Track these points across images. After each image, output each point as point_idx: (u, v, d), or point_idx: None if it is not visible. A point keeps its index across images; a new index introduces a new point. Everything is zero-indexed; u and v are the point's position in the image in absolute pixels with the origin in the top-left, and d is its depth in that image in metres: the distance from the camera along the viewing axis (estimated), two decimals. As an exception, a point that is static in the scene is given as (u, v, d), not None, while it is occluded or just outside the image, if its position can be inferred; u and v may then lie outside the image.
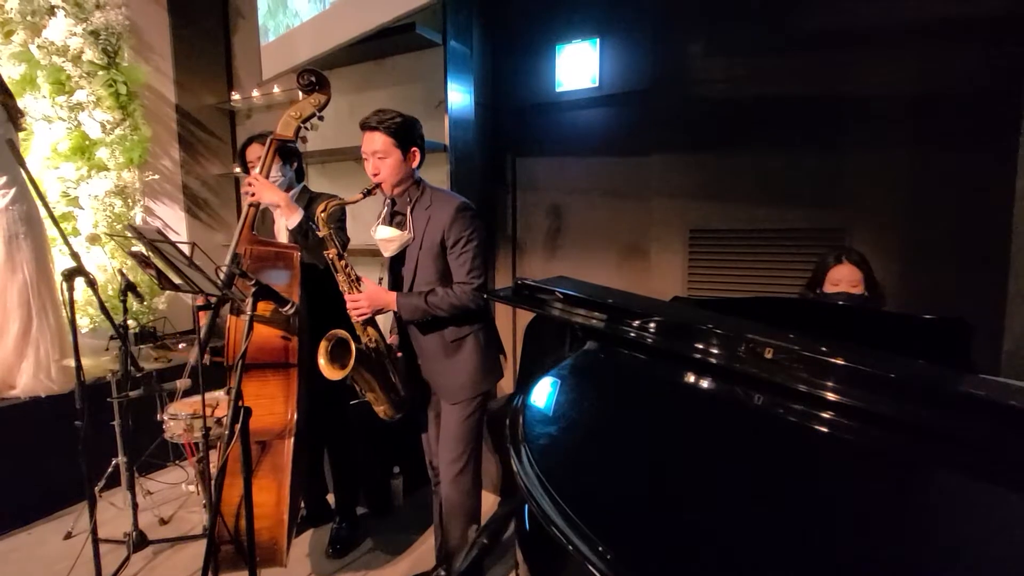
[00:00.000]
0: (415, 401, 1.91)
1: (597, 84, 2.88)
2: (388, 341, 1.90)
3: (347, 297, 1.75)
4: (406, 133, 1.69)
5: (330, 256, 1.73)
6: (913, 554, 0.63)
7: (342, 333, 1.65)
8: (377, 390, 1.77)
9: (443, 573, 0.64)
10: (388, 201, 1.80)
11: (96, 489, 2.52)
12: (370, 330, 1.79)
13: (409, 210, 1.74)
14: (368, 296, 1.72)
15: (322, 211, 1.69)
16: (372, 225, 1.82)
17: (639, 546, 0.61)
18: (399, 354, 1.90)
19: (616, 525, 0.64)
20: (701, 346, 1.05)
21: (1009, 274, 1.97)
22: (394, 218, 1.79)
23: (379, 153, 1.67)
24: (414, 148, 1.72)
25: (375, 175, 1.69)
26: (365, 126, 1.68)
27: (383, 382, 1.78)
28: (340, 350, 1.66)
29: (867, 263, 1.78)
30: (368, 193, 1.70)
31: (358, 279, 1.76)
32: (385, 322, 1.98)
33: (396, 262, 1.81)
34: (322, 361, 1.64)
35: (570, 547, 0.57)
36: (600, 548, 0.56)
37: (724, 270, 2.68)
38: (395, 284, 1.84)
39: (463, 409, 1.81)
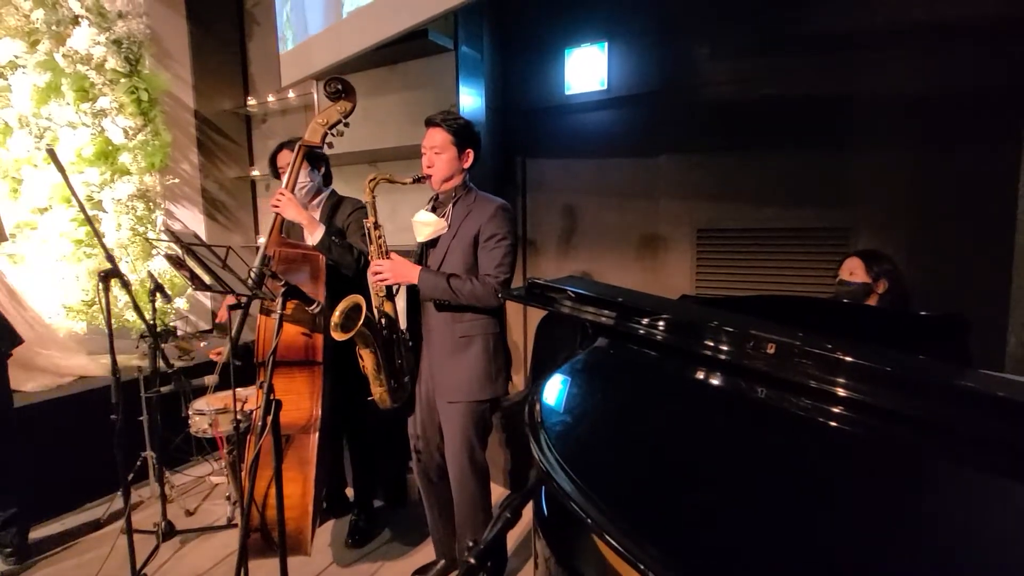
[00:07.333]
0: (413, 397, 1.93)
1: (606, 87, 2.93)
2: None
3: (372, 262, 1.82)
4: (465, 134, 1.80)
5: (367, 224, 1.81)
6: (913, 544, 0.65)
7: (358, 298, 1.69)
8: (380, 368, 1.77)
9: (471, 544, 0.68)
10: (434, 195, 1.89)
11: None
12: (387, 305, 1.84)
13: (452, 204, 1.83)
14: (393, 264, 1.80)
15: (370, 180, 1.80)
16: (404, 229, 1.88)
17: (651, 518, 0.67)
18: (409, 342, 1.94)
19: (629, 500, 0.71)
20: (707, 342, 1.10)
21: (1012, 271, 2.01)
22: (435, 210, 1.88)
23: (436, 148, 1.78)
24: (469, 149, 1.82)
25: (428, 167, 1.80)
26: (430, 122, 1.80)
27: (387, 360, 1.78)
28: (353, 313, 1.69)
29: (872, 255, 1.90)
30: (418, 180, 1.81)
31: (388, 253, 1.83)
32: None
33: (426, 248, 1.89)
34: (334, 322, 1.65)
35: (588, 520, 0.64)
36: (616, 520, 0.62)
37: (732, 269, 2.73)
38: None
39: (461, 414, 1.82)
